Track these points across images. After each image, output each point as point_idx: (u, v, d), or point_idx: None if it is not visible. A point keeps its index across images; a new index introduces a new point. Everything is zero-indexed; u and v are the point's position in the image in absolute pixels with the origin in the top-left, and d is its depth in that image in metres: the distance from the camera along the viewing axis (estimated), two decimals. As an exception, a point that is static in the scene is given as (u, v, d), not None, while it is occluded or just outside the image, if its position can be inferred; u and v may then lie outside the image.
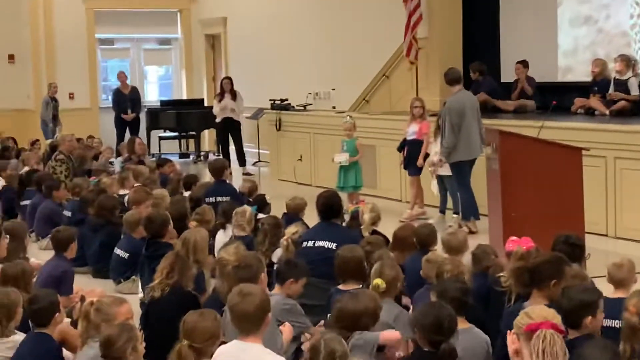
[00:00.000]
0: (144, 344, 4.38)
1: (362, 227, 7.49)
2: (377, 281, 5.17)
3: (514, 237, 5.69)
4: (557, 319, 3.88)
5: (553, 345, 3.69)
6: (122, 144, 15.18)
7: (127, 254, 8.07)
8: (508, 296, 5.17)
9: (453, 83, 10.11)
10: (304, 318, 5.54)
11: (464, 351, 4.57)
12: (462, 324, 4.73)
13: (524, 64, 12.51)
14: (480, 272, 5.73)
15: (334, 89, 15.56)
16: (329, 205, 7.03)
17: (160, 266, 5.86)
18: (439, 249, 6.36)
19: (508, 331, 4.00)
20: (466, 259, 6.16)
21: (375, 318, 4.49)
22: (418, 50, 13.12)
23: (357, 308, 4.44)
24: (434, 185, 10.79)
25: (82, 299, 5.95)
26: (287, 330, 5.05)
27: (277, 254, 7.02)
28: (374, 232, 7.33)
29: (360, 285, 5.52)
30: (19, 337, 5.08)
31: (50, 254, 7.40)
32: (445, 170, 10.45)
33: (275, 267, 6.60)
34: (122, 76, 18.14)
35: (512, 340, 3.91)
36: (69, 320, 5.74)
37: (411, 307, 5.54)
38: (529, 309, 3.96)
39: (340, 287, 5.59)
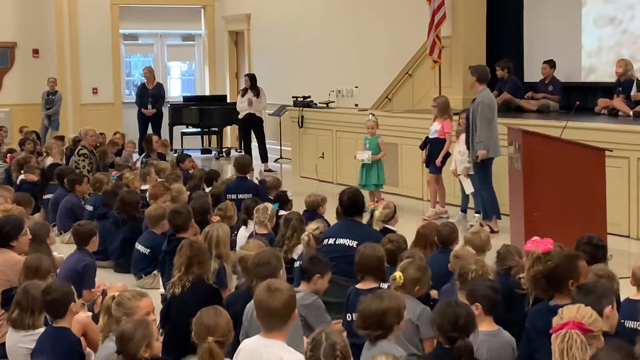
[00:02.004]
0: (160, 340, 4.40)
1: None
2: (397, 274, 5.19)
3: (536, 237, 5.66)
4: (588, 318, 3.80)
5: (571, 345, 3.65)
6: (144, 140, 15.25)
7: (148, 250, 8.10)
8: (527, 298, 5.15)
9: (483, 81, 10.04)
10: (324, 313, 5.55)
11: (490, 353, 4.57)
12: (490, 326, 4.76)
13: (551, 63, 12.47)
14: (504, 272, 5.72)
15: (356, 87, 15.56)
16: (353, 202, 7.04)
17: (178, 262, 5.86)
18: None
19: None
20: (488, 258, 6.16)
21: (399, 316, 4.49)
22: (441, 48, 13.10)
23: (380, 308, 4.43)
24: (468, 187, 10.63)
25: (104, 293, 6.00)
26: None
27: (297, 251, 7.03)
28: (385, 230, 7.31)
29: (379, 284, 5.52)
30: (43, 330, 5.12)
31: (72, 247, 7.44)
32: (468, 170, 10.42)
33: (296, 264, 6.64)
34: (147, 71, 18.23)
35: None
36: (90, 314, 5.78)
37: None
38: (564, 309, 3.88)
39: (359, 286, 5.59)
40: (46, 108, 18.30)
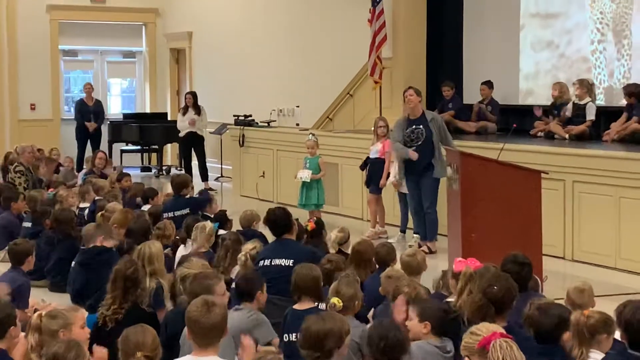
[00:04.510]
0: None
1: (327, 245, 7.57)
2: (334, 300, 5.16)
3: (460, 258, 5.75)
4: (501, 330, 4.01)
5: (511, 350, 3.81)
6: (87, 157, 15.06)
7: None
8: (461, 320, 5.19)
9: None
10: (270, 327, 5.55)
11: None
12: (437, 341, 4.79)
13: (489, 84, 12.65)
14: (439, 294, 5.77)
15: (298, 106, 15.60)
16: (273, 223, 7.02)
17: (111, 294, 5.76)
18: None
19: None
20: (424, 279, 6.22)
21: (341, 340, 4.45)
22: (382, 69, 13.21)
23: (321, 330, 4.40)
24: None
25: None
26: (247, 344, 4.83)
27: (234, 272, 7.00)
28: (340, 252, 7.35)
29: (316, 304, 5.52)
30: None
31: (7, 266, 7.31)
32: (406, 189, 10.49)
33: (233, 285, 6.60)
34: (88, 88, 18.06)
35: None
36: (24, 334, 5.66)
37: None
38: (472, 329, 4.05)
39: (296, 306, 5.57)
40: None
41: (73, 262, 8.16)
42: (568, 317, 4.51)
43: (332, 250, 7.44)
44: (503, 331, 3.96)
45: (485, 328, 3.99)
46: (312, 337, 4.39)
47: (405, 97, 10.22)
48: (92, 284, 7.32)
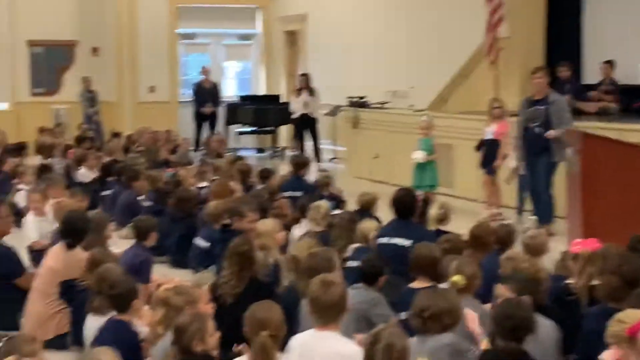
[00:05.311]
0: (215, 336, 4.40)
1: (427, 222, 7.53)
2: (457, 277, 5.13)
3: (578, 239, 5.63)
4: None
5: None
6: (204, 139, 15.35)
7: (209, 244, 8.15)
8: (579, 302, 5.09)
9: None
10: (387, 306, 5.56)
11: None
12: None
13: (611, 64, 12.33)
14: (559, 276, 5.67)
15: (412, 87, 15.48)
16: (400, 204, 7.01)
17: (229, 270, 5.89)
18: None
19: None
20: (546, 261, 6.12)
21: (458, 318, 4.43)
22: (499, 50, 12.98)
23: (439, 305, 4.37)
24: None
25: (159, 287, 6.06)
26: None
27: (349, 251, 7.03)
28: (439, 231, 7.29)
29: (433, 284, 5.50)
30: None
31: (129, 243, 7.53)
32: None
33: (348, 263, 6.63)
34: (206, 70, 18.44)
35: (612, 355, 3.85)
36: (147, 307, 5.83)
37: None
38: (619, 316, 3.92)
39: (413, 285, 5.58)
40: (91, 105, 18.28)
41: (196, 239, 8.33)
42: None
43: (431, 228, 7.40)
44: None
45: (633, 314, 3.87)
46: (429, 312, 4.35)
47: (533, 77, 10.07)
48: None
